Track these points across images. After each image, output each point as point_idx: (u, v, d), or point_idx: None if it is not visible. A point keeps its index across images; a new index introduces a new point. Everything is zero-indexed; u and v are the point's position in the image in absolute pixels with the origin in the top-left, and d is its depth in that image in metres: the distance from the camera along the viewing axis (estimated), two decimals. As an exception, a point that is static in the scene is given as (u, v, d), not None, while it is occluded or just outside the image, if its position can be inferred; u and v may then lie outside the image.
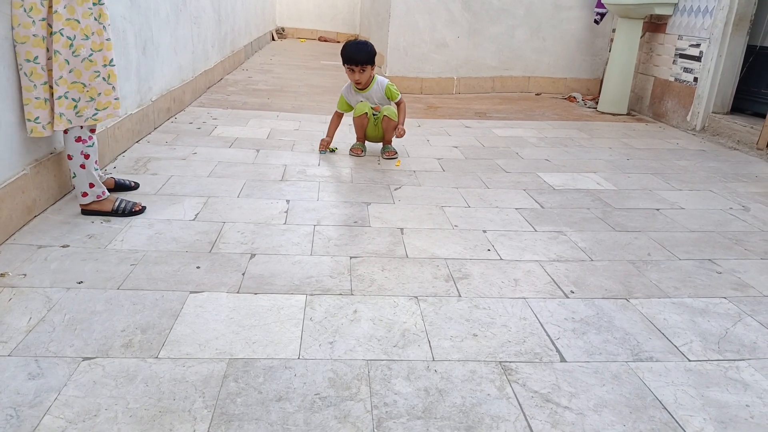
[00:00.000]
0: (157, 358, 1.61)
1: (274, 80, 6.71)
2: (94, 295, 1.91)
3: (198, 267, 2.13)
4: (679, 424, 1.46)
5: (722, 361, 1.74)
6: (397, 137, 3.76)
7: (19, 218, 2.33)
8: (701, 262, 2.42)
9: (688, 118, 5.02)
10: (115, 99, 2.45)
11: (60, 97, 2.27)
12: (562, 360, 1.71)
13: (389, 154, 3.78)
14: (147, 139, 3.78)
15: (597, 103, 5.97)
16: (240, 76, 6.83)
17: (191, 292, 1.96)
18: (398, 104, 3.81)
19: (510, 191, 3.21)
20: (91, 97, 2.36)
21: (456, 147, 4.15)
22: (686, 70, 5.09)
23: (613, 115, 5.65)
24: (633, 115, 5.69)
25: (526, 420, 1.45)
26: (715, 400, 1.56)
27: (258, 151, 3.72)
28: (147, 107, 3.84)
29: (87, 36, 2.29)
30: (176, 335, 1.71)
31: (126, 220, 2.49)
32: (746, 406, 1.55)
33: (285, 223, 2.59)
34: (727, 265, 2.40)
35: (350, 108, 3.84)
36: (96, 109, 2.38)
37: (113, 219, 2.48)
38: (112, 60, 2.40)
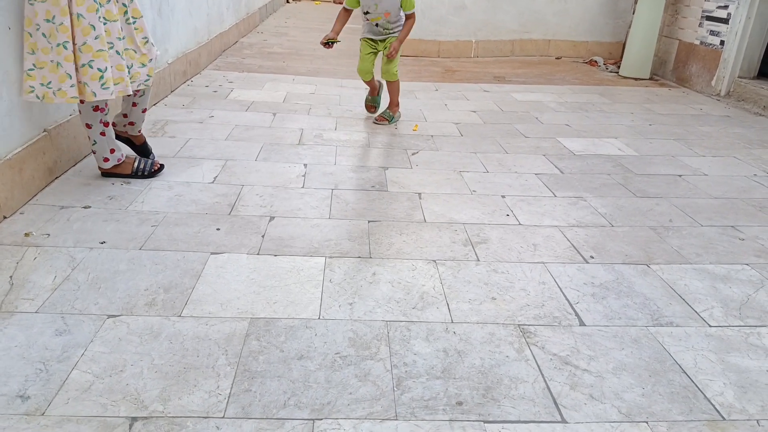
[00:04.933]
0: (180, 316, 1.64)
1: (290, 43, 6.63)
2: (116, 255, 1.93)
3: (218, 229, 2.15)
4: (699, 389, 1.46)
5: (743, 327, 1.73)
6: (386, 56, 3.52)
7: (41, 179, 2.36)
8: (724, 228, 2.39)
9: (713, 82, 4.89)
10: (128, 74, 2.31)
11: (84, 65, 2.14)
12: (581, 324, 1.71)
13: (381, 119, 3.67)
14: (164, 102, 3.77)
15: (619, 67, 5.83)
16: (255, 39, 6.75)
17: (212, 253, 1.97)
18: (408, 17, 3.51)
19: (529, 156, 3.17)
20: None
21: (474, 111, 4.10)
22: (713, 33, 4.93)
23: (636, 79, 5.52)
24: (656, 80, 5.55)
25: (545, 381, 1.46)
26: (735, 366, 1.56)
27: (274, 114, 3.70)
28: (163, 70, 3.82)
29: (101, 3, 2.16)
30: (198, 295, 1.74)
31: (146, 182, 2.51)
32: (767, 371, 1.54)
33: (303, 187, 2.58)
34: (750, 232, 2.36)
35: (358, 5, 3.50)
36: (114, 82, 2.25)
37: (133, 181, 2.50)
38: (124, 36, 2.29)
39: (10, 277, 1.77)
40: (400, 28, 3.54)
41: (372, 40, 3.58)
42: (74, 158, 2.62)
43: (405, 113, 3.93)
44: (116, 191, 2.40)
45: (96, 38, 2.15)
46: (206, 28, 4.99)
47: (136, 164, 2.52)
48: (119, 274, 1.82)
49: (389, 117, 3.68)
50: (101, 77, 2.18)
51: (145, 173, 2.53)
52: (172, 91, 4.02)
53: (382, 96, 3.84)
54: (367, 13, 3.48)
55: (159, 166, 2.59)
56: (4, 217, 2.11)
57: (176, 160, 2.80)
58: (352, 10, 3.57)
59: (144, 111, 2.61)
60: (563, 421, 1.34)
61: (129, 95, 2.39)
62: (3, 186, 2.10)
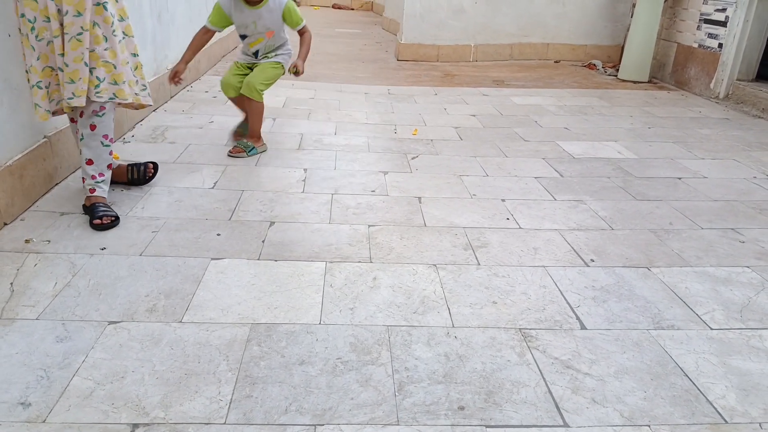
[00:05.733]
0: (181, 322, 1.63)
1: (289, 48, 6.64)
2: (117, 261, 1.93)
3: (218, 234, 2.15)
4: (701, 392, 1.46)
5: (745, 329, 1.73)
6: (293, 74, 2.92)
7: (41, 185, 2.36)
8: (724, 231, 2.39)
9: (712, 85, 4.90)
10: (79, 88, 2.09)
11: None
12: (583, 327, 1.71)
13: (235, 150, 2.94)
14: (164, 107, 3.77)
15: (617, 70, 5.84)
16: (254, 45, 6.77)
17: (212, 259, 1.97)
18: (301, 34, 2.97)
19: (529, 160, 3.18)
20: (72, 79, 2.06)
21: (474, 115, 4.10)
22: (711, 35, 4.94)
23: (634, 82, 5.53)
24: (654, 83, 5.56)
25: (547, 386, 1.46)
26: (737, 368, 1.56)
27: (274, 119, 3.71)
28: (163, 76, 3.82)
29: (48, 18, 1.99)
30: (199, 300, 1.74)
31: (146, 188, 2.51)
32: (769, 374, 1.54)
33: (303, 192, 2.59)
34: (750, 235, 2.36)
35: (227, 24, 2.89)
36: (73, 93, 2.07)
37: (133, 187, 2.50)
38: (63, 51, 2.04)
39: (11, 283, 1.77)
40: (286, 53, 3.03)
41: (244, 64, 3.05)
42: (74, 165, 2.63)
43: (405, 117, 3.94)
44: (116, 197, 2.40)
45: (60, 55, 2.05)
46: (206, 33, 5.00)
47: (130, 173, 2.49)
48: (120, 280, 1.82)
49: (246, 147, 2.96)
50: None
51: (141, 179, 2.50)
52: (171, 97, 4.02)
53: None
54: (244, 37, 2.94)
55: (152, 170, 2.54)
56: (5, 224, 2.11)
57: (176, 165, 2.80)
58: (214, 32, 2.91)
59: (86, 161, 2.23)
60: (565, 425, 1.34)
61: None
62: (4, 192, 2.10)
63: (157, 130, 3.31)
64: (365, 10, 12.69)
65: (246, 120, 3.14)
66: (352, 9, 12.87)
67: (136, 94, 2.25)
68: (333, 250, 2.08)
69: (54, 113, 2.20)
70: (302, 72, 2.90)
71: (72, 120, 2.33)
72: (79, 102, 2.08)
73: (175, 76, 2.84)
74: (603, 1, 6.44)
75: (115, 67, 2.12)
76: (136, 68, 2.25)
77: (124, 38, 2.18)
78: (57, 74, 2.09)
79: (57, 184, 2.48)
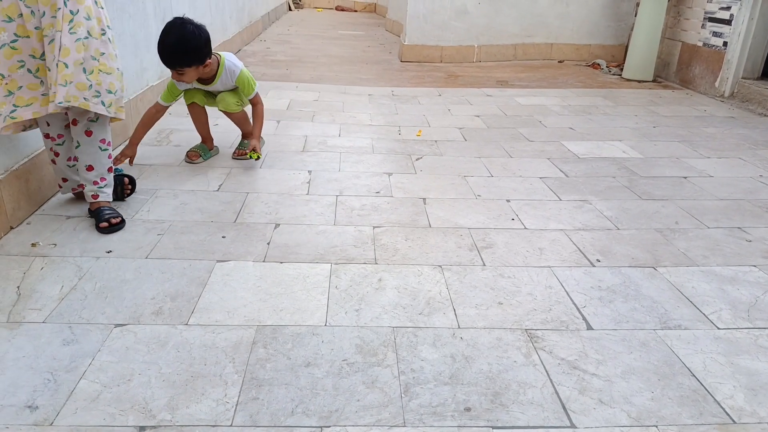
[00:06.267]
0: (187, 324, 1.64)
1: (292, 51, 6.66)
2: (123, 264, 1.94)
3: (224, 236, 2.15)
4: (709, 392, 1.45)
5: (752, 329, 1.72)
6: (245, 154, 2.88)
7: (47, 189, 2.37)
8: (730, 230, 2.38)
9: (717, 84, 4.88)
10: (42, 95, 2.00)
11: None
12: (589, 328, 1.70)
13: (239, 153, 2.94)
14: (169, 110, 3.77)
15: (622, 69, 5.83)
16: (258, 47, 6.79)
17: (218, 261, 1.98)
18: (254, 105, 2.87)
19: (534, 160, 3.17)
20: (9, 91, 1.95)
21: (478, 116, 4.10)
22: (715, 34, 4.92)
23: (639, 81, 5.51)
24: (659, 82, 5.54)
25: (553, 386, 1.46)
26: (745, 368, 1.55)
27: (278, 122, 3.71)
28: (167, 79, 3.83)
29: (10, 18, 1.89)
30: (205, 303, 1.74)
31: (151, 191, 2.52)
32: (777, 373, 1.53)
33: (308, 194, 2.59)
34: (757, 234, 2.35)
35: (179, 96, 2.83)
36: (14, 105, 1.96)
37: (138, 190, 2.51)
38: (42, 54, 1.96)
39: (18, 287, 1.78)
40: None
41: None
42: (80, 168, 2.63)
43: (409, 119, 3.94)
44: (121, 200, 2.41)
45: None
46: (215, 35, 5.01)
47: (108, 195, 2.28)
48: (126, 283, 1.83)
49: (251, 147, 2.85)
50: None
51: (121, 194, 2.39)
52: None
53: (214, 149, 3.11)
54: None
55: (129, 186, 2.43)
56: (12, 228, 2.12)
57: (181, 168, 2.81)
58: (166, 109, 2.81)
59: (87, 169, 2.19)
60: (572, 426, 1.33)
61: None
62: (10, 196, 2.11)
63: (162, 132, 3.32)
64: (368, 12, 12.71)
65: (204, 143, 3.02)
66: (355, 11, 12.88)
67: (85, 99, 2.01)
68: (338, 252, 2.08)
69: (26, 128, 2.08)
70: (258, 152, 2.80)
71: (46, 135, 2.18)
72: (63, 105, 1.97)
73: (128, 160, 2.66)
74: (606, 0, 6.43)
75: (66, 66, 1.95)
76: (92, 72, 2.01)
77: (87, 38, 1.98)
78: (7, 83, 1.94)
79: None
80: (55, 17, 1.92)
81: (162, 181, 2.64)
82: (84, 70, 1.99)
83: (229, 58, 2.79)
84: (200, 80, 2.76)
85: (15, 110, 1.97)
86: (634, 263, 2.08)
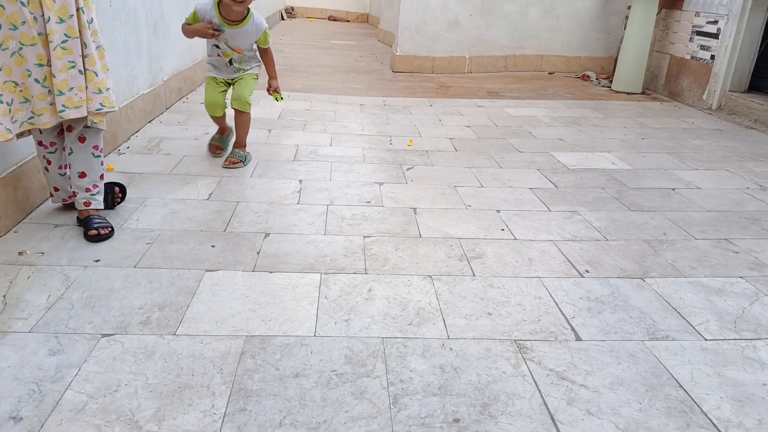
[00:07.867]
0: (174, 334, 1.63)
1: (285, 60, 6.67)
2: (111, 273, 1.92)
3: (213, 246, 2.14)
4: (696, 403, 1.46)
5: (739, 340, 1.73)
6: (271, 94, 3.15)
7: (35, 197, 2.35)
8: (717, 241, 2.40)
9: (704, 96, 4.94)
10: (50, 104, 1.98)
11: None
12: (578, 338, 1.71)
13: (231, 162, 2.99)
14: (159, 119, 3.78)
15: (611, 81, 5.89)
16: (250, 56, 6.79)
17: (207, 271, 1.97)
18: (266, 52, 3.12)
19: (523, 171, 3.19)
20: (26, 98, 1.95)
21: (468, 126, 4.12)
22: (703, 47, 4.99)
23: (628, 94, 5.57)
24: (648, 94, 5.61)
25: (542, 397, 1.46)
26: (732, 379, 1.56)
27: (270, 131, 3.71)
28: (159, 87, 3.83)
29: (15, 26, 1.85)
30: (193, 312, 1.73)
31: (141, 199, 2.51)
32: (763, 384, 1.54)
33: (298, 203, 2.59)
34: (743, 245, 2.37)
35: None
36: (32, 112, 1.97)
37: (128, 198, 2.49)
38: (48, 61, 1.93)
39: (4, 296, 1.76)
40: (257, 63, 3.15)
41: (223, 80, 3.09)
42: (69, 176, 2.62)
43: (400, 129, 3.95)
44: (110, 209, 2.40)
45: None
46: (202, 45, 5.01)
47: (98, 204, 2.25)
48: (114, 292, 1.82)
49: (242, 158, 3.04)
50: (9, 111, 1.92)
51: (112, 203, 2.38)
52: (167, 108, 4.03)
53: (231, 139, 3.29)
54: (216, 47, 3.01)
55: (119, 195, 2.42)
56: (-2, 236, 2.11)
57: (171, 177, 2.80)
58: None
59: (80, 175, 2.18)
60: (561, 437, 1.33)
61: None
62: (-3, 204, 2.09)
63: (152, 141, 3.31)
64: (361, 22, 12.77)
65: (221, 133, 3.24)
66: (348, 21, 12.95)
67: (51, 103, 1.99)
68: (328, 262, 2.08)
69: (20, 135, 2.00)
70: (279, 90, 3.15)
71: (39, 143, 2.16)
72: (78, 113, 2.00)
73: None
74: (596, 13, 6.50)
75: (96, 75, 2.02)
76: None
77: (67, 40, 1.94)
78: (22, 90, 1.93)
79: (52, 195, 2.46)
80: (61, 23, 1.92)
81: (151, 189, 2.63)
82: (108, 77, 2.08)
83: (257, 13, 3.01)
84: (230, 21, 2.88)
85: (32, 117, 1.98)
86: (622, 274, 2.10)
